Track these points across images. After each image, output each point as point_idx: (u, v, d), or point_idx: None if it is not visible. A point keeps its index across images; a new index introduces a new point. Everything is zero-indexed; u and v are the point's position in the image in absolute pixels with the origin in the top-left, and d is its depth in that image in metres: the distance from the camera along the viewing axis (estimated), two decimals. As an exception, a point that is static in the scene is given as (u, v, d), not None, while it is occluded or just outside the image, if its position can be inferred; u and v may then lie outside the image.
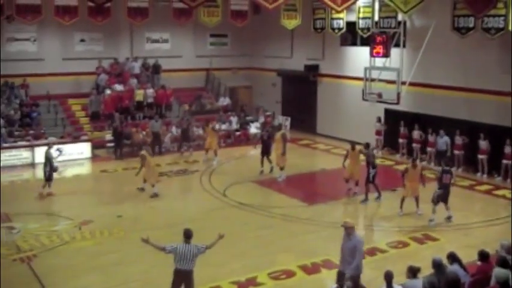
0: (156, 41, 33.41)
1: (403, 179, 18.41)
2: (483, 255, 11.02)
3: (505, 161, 22.18)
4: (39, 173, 22.66)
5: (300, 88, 33.03)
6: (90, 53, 31.16)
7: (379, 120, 27.10)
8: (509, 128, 21.89)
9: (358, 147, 21.38)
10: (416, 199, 18.25)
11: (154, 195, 20.35)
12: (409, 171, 18.20)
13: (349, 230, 11.40)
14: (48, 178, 20.43)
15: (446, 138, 23.13)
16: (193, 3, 23.61)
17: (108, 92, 29.67)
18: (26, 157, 25.22)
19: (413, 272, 10.19)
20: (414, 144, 25.35)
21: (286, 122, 31.81)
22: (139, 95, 30.18)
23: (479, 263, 11.03)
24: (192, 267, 11.37)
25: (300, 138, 30.54)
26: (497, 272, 9.47)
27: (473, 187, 21.74)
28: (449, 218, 17.46)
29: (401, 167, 24.48)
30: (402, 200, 18.23)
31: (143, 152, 21.24)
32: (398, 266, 11.52)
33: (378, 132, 27.34)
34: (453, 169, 23.31)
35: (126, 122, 28.09)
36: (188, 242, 11.42)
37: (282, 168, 22.65)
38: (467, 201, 20.26)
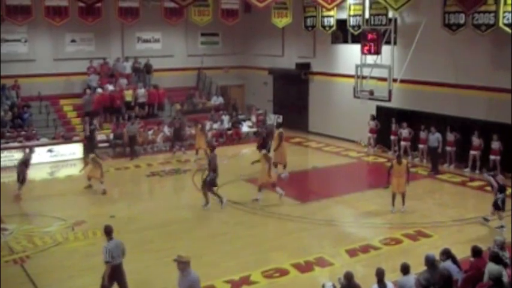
0: (147, 41, 33.32)
1: (388, 176, 18.46)
2: (476, 251, 11.06)
3: (492, 157, 22.21)
4: (31, 174, 22.61)
5: (291, 86, 33.05)
6: (81, 54, 31.04)
7: (373, 118, 27.06)
8: (498, 123, 22.00)
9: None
10: (403, 196, 18.19)
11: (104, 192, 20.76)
12: (394, 167, 18.19)
13: (181, 266, 9.92)
14: (23, 180, 20.30)
15: (438, 135, 23.14)
16: (183, 2, 23.56)
17: (99, 90, 29.67)
18: (17, 158, 25.04)
19: (404, 268, 10.24)
20: (403, 142, 25.39)
21: (278, 120, 31.82)
22: (128, 95, 30.10)
23: (472, 259, 11.07)
24: (121, 260, 11.76)
25: (291, 136, 30.54)
26: (490, 268, 9.50)
27: (465, 183, 21.81)
28: (502, 227, 16.55)
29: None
30: (393, 197, 18.23)
31: (93, 156, 21.47)
32: (391, 263, 11.58)
33: (371, 130, 27.26)
34: (445, 166, 23.57)
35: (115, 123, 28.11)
36: (111, 238, 11.78)
37: (284, 166, 22.76)
38: (459, 198, 20.34)
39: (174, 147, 27.55)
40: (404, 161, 18.56)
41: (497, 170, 21.91)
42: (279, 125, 25.44)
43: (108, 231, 11.81)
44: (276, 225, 17.39)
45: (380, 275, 9.98)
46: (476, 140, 22.67)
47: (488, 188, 20.76)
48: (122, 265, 11.79)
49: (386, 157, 25.91)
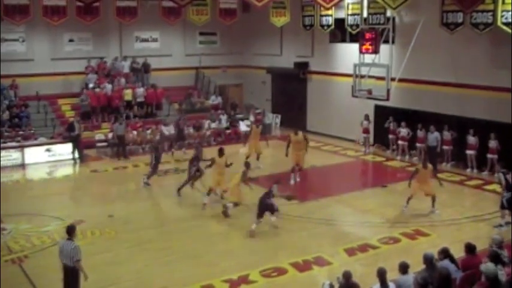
0: (146, 40, 33.33)
1: (410, 179, 18.10)
2: (470, 248, 11.07)
3: (490, 155, 22.22)
4: (29, 173, 22.62)
5: (289, 85, 33.04)
6: (79, 53, 31.08)
7: (366, 118, 26.94)
8: (496, 122, 22.01)
9: (301, 132, 22.57)
10: (433, 198, 17.95)
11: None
12: (420, 172, 17.83)
13: None
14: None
15: (436, 134, 23.10)
16: (182, 1, 23.58)
17: (96, 89, 29.70)
18: (15, 158, 25.07)
19: (403, 268, 10.23)
20: (400, 142, 25.40)
21: (277, 119, 31.79)
22: (127, 94, 30.12)
23: (466, 256, 11.08)
24: (70, 263, 11.37)
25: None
26: (488, 267, 9.44)
27: (463, 182, 21.82)
28: (500, 226, 16.46)
29: (392, 163, 24.70)
30: (410, 198, 17.93)
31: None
32: (390, 262, 11.54)
33: (365, 130, 27.06)
34: (443, 164, 23.56)
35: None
36: (68, 239, 11.49)
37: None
38: (457, 197, 20.34)
39: (173, 147, 27.46)
40: (429, 165, 18.25)
41: (495, 167, 21.94)
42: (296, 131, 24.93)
43: (67, 231, 11.63)
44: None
45: (382, 275, 9.89)
46: (471, 139, 22.68)
47: (486, 187, 20.89)
48: (74, 269, 11.39)
49: (385, 156, 25.94)
